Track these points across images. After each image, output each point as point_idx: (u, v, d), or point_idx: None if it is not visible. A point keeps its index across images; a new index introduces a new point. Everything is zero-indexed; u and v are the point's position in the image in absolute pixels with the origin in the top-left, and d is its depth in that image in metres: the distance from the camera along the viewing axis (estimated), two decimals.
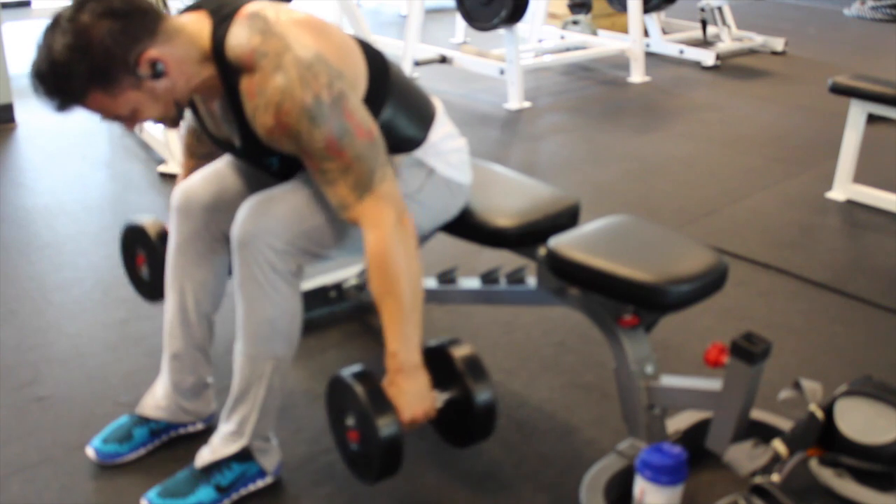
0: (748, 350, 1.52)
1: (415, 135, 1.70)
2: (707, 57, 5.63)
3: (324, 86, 1.46)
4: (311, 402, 2.05)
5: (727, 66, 5.72)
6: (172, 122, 1.56)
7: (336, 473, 1.80)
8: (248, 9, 1.51)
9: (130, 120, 1.50)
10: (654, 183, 3.61)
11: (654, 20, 5.86)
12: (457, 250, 2.33)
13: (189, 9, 1.56)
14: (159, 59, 1.44)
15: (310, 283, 2.36)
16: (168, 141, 3.43)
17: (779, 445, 1.50)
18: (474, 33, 5.60)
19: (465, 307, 2.47)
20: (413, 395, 1.54)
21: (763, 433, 1.64)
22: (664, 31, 6.07)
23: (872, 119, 3.36)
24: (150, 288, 2.02)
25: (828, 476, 1.44)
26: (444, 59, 4.93)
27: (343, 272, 2.44)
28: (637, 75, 5.32)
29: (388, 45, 5.07)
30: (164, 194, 3.26)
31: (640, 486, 1.58)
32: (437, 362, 1.61)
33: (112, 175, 3.56)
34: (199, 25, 1.50)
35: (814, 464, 1.46)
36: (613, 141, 4.18)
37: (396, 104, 1.64)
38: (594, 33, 5.88)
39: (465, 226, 1.87)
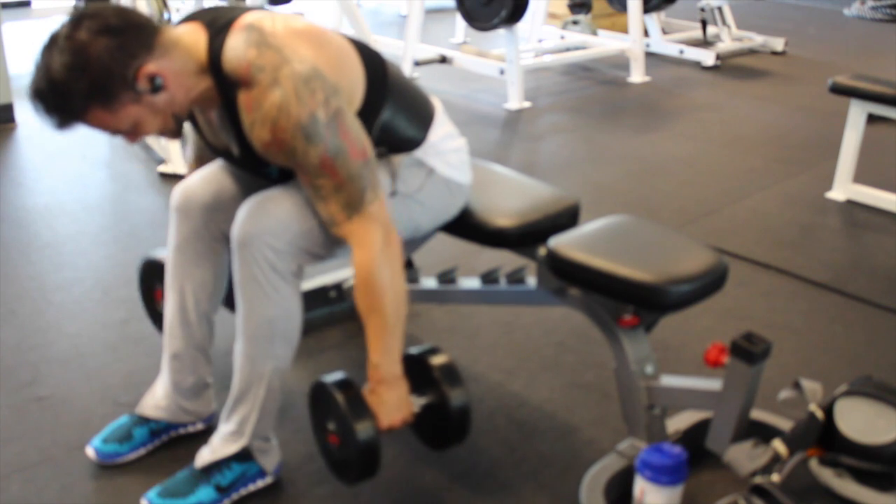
0: (748, 350, 1.52)
1: (414, 135, 1.70)
2: (707, 57, 5.63)
3: (320, 103, 1.46)
4: None
5: (727, 66, 5.72)
6: (172, 134, 1.57)
7: None
8: (243, 20, 1.50)
9: (131, 134, 1.52)
10: (654, 183, 3.61)
11: (654, 20, 5.85)
12: (457, 250, 2.34)
13: (184, 20, 1.56)
14: (157, 73, 1.44)
15: (310, 283, 2.36)
16: (167, 141, 3.43)
17: (779, 445, 1.50)
18: (474, 33, 5.61)
19: (465, 307, 2.47)
20: (392, 405, 1.59)
21: (763, 433, 1.65)
22: (664, 31, 6.06)
23: (872, 119, 3.35)
24: None
25: (828, 476, 1.44)
26: (444, 59, 4.92)
27: (343, 272, 2.44)
28: (637, 75, 5.32)
29: (388, 45, 5.06)
30: (163, 194, 3.26)
31: (640, 486, 1.58)
32: (416, 369, 1.67)
33: (112, 175, 3.56)
34: (195, 37, 1.50)
35: (814, 464, 1.46)
36: (613, 141, 4.18)
37: (396, 105, 1.65)
38: (594, 33, 5.87)
39: (465, 226, 1.87)
